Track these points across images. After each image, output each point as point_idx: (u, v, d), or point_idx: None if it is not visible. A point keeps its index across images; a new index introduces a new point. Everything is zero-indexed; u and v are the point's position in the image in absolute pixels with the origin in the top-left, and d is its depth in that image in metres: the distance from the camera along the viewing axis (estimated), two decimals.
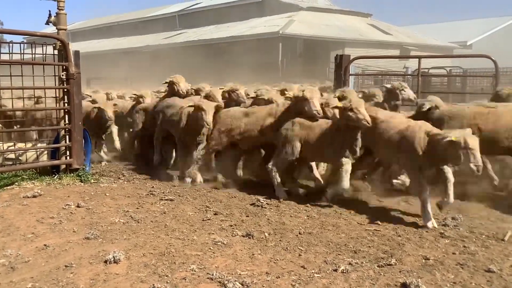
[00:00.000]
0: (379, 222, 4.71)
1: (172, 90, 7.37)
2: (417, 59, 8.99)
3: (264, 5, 38.70)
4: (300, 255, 3.80)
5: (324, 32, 32.57)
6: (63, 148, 6.32)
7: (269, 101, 6.67)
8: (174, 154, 7.55)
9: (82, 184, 6.02)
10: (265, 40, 31.92)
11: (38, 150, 6.58)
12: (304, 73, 26.36)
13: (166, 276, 3.33)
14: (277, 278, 3.34)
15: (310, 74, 24.83)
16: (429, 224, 4.56)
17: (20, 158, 6.44)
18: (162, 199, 5.40)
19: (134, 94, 8.51)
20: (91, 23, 56.14)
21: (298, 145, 5.58)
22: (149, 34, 44.01)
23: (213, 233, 4.26)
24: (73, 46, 6.32)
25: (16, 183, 5.89)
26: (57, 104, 6.40)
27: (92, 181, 6.17)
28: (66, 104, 6.27)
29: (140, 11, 52.26)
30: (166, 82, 7.49)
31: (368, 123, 5.09)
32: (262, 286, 3.22)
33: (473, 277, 3.43)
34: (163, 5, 51.50)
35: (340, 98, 5.89)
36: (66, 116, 6.31)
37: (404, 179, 5.72)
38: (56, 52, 6.29)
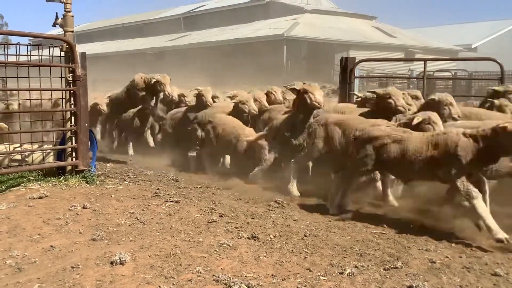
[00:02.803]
0: (385, 225, 4.71)
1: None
2: (422, 62, 8.98)
3: (269, 7, 38.85)
4: (305, 257, 3.79)
5: (328, 35, 32.62)
6: (69, 149, 6.34)
7: None
8: None
9: (88, 185, 6.03)
10: (270, 42, 32.02)
11: (44, 151, 6.60)
12: (309, 75, 26.39)
13: (172, 277, 3.33)
14: (282, 280, 3.34)
15: (314, 76, 24.86)
16: None
17: (26, 159, 6.47)
18: (167, 201, 5.40)
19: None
20: (96, 25, 56.49)
21: None
22: (154, 36, 44.21)
23: (219, 235, 4.26)
24: (79, 48, 6.34)
25: (22, 184, 5.90)
26: (64, 106, 6.43)
27: (98, 182, 6.18)
28: (72, 106, 6.30)
29: (145, 13, 52.57)
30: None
31: None
32: None
33: (480, 281, 3.41)
34: (168, 7, 51.69)
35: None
36: (72, 117, 6.34)
37: None
38: (62, 54, 6.32)
